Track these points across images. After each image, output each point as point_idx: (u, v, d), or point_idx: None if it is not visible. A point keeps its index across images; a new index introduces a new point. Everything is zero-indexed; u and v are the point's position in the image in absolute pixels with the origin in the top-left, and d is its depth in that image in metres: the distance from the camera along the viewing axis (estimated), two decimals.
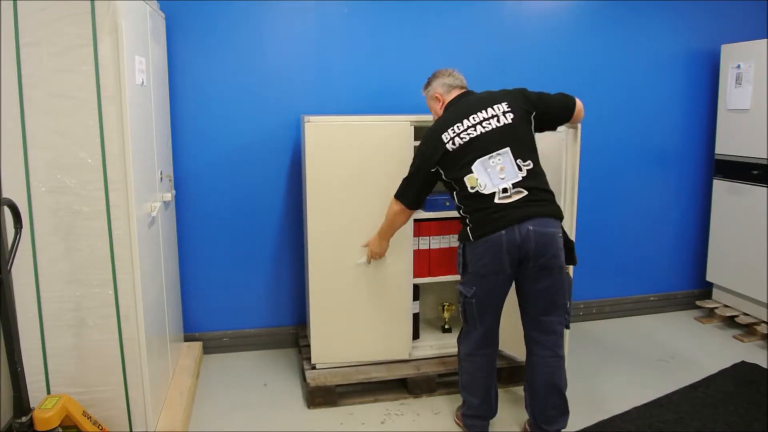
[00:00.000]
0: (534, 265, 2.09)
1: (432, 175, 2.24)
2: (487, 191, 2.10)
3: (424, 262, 2.83)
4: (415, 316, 2.90)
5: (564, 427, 2.25)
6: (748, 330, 3.37)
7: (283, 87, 3.03)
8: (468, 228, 2.14)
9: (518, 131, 2.17)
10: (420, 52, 3.16)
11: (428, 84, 2.43)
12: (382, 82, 3.13)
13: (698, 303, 3.72)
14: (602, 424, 2.47)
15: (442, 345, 2.89)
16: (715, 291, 3.70)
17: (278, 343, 3.23)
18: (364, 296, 2.71)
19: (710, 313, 3.66)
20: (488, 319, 2.22)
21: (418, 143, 2.37)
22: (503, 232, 2.06)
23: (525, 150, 2.15)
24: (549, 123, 2.29)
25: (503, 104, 2.20)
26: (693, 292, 3.83)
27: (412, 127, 2.65)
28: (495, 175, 2.11)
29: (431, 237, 2.81)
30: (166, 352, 2.52)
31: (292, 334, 3.24)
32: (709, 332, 3.48)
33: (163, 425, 2.26)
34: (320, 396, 2.61)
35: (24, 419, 1.80)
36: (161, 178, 2.51)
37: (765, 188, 3.24)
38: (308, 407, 2.62)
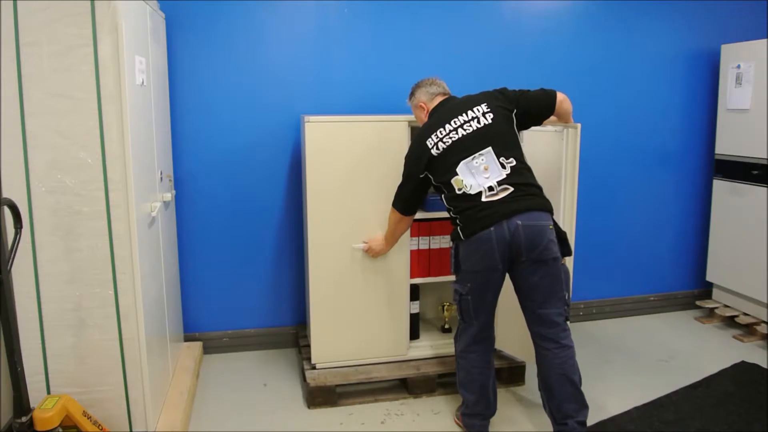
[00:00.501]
0: (527, 258, 2.11)
1: (422, 181, 2.31)
2: (473, 191, 2.15)
3: (423, 262, 2.83)
4: (415, 316, 2.91)
5: (584, 419, 2.21)
6: (748, 330, 3.37)
7: (283, 87, 3.04)
8: (458, 228, 2.18)
9: (499, 130, 2.22)
10: (420, 52, 3.16)
11: (412, 94, 2.50)
12: (381, 82, 3.13)
13: (698, 303, 3.72)
14: (602, 424, 2.47)
15: (442, 345, 2.89)
16: (715, 291, 3.70)
17: (278, 343, 3.23)
18: (364, 296, 2.71)
19: (710, 313, 3.66)
20: (484, 314, 2.25)
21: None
22: (492, 228, 2.09)
23: (507, 148, 2.20)
24: (533, 119, 2.33)
25: (482, 105, 2.26)
26: (693, 292, 3.83)
27: (411, 128, 2.65)
28: (479, 175, 2.16)
29: (431, 237, 2.81)
30: (166, 352, 2.52)
31: (292, 334, 3.24)
32: (709, 332, 3.48)
33: (163, 425, 2.26)
34: (320, 396, 2.61)
35: (24, 419, 1.80)
36: (161, 178, 2.51)
37: (765, 188, 3.24)
38: (308, 407, 2.62)
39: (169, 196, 2.59)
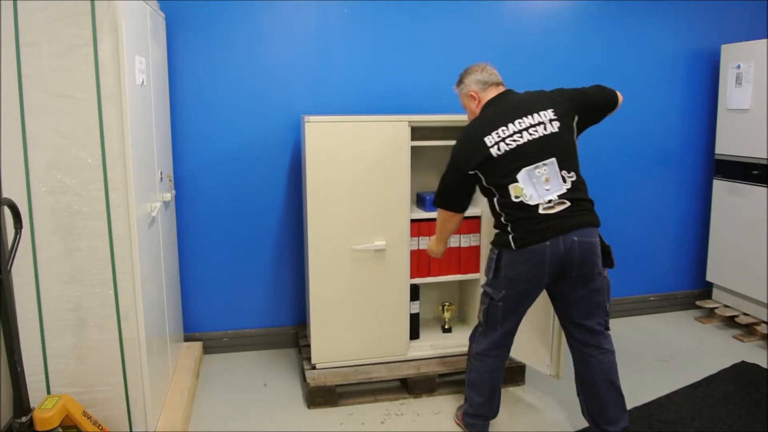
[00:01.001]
0: (576, 274, 2.08)
1: (470, 178, 2.15)
2: (532, 202, 2.05)
3: (423, 262, 2.83)
4: (415, 316, 2.91)
5: (627, 424, 2.23)
6: (748, 330, 3.37)
7: (283, 87, 3.04)
8: (510, 236, 2.08)
9: (563, 141, 2.12)
10: (420, 52, 3.16)
11: (461, 81, 2.32)
12: (381, 82, 3.14)
13: (698, 303, 3.72)
14: None
15: (442, 345, 2.89)
16: (715, 291, 3.70)
17: (278, 343, 3.23)
18: (364, 296, 2.71)
19: (710, 313, 3.67)
20: (511, 322, 2.22)
21: (453, 144, 2.24)
22: (548, 243, 2.03)
23: (569, 160, 2.11)
24: (592, 121, 2.25)
25: (549, 111, 2.13)
26: (693, 292, 3.83)
27: (410, 128, 2.65)
28: (540, 186, 2.06)
29: (431, 237, 2.80)
30: (166, 352, 2.52)
31: (292, 334, 3.24)
32: (709, 332, 3.48)
33: (163, 425, 2.26)
34: (320, 396, 2.61)
35: (24, 419, 1.80)
36: (161, 178, 2.51)
37: (765, 188, 3.24)
38: (308, 407, 2.62)
39: (169, 196, 2.59)
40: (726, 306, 3.59)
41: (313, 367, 2.73)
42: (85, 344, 2.05)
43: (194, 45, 2.92)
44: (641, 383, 2.81)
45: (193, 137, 2.98)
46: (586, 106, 2.20)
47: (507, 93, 2.25)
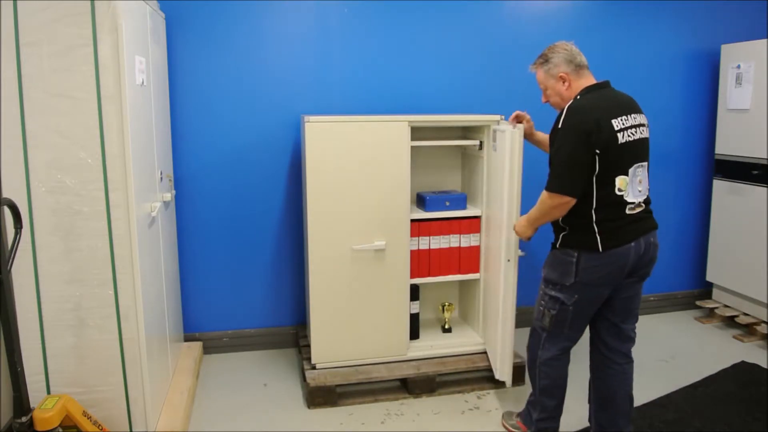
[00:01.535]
0: (637, 275, 2.09)
1: (593, 157, 1.94)
2: (628, 199, 2.01)
3: (423, 262, 2.83)
4: (415, 316, 2.91)
5: (632, 429, 2.24)
6: (748, 330, 3.37)
7: (283, 87, 3.03)
8: (597, 237, 2.00)
9: (648, 147, 2.11)
10: (419, 52, 3.16)
11: (546, 60, 2.15)
12: (381, 82, 3.13)
13: (698, 303, 3.72)
14: None
15: (442, 345, 2.89)
16: (715, 291, 3.70)
17: (278, 343, 3.23)
18: (364, 296, 2.71)
19: (710, 313, 3.66)
20: (580, 326, 2.17)
21: (563, 125, 2.01)
22: (632, 244, 2.01)
23: (648, 167, 2.12)
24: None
25: (643, 115, 2.10)
26: (693, 292, 3.83)
27: (410, 128, 2.65)
28: (635, 186, 2.03)
29: (431, 237, 2.81)
30: (166, 352, 2.52)
31: (292, 334, 3.24)
32: (709, 332, 3.48)
33: (163, 425, 2.26)
34: (320, 396, 2.61)
35: (24, 419, 1.80)
36: (161, 178, 2.51)
37: (765, 188, 3.24)
38: (308, 407, 2.62)
39: (169, 196, 2.59)
40: (726, 306, 3.59)
41: (313, 367, 2.73)
42: (85, 344, 2.05)
43: (194, 45, 2.92)
44: (641, 383, 2.80)
45: (193, 137, 2.98)
46: None
47: (607, 84, 2.14)
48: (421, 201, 2.92)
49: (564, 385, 2.27)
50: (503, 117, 2.78)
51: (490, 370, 2.83)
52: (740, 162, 3.40)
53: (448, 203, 2.83)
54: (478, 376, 2.85)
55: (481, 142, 2.82)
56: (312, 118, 2.54)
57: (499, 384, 2.77)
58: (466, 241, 2.88)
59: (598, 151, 1.94)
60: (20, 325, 1.86)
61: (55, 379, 2.05)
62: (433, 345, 2.89)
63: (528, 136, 2.49)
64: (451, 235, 2.83)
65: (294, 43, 3.02)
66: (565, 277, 2.07)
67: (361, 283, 2.69)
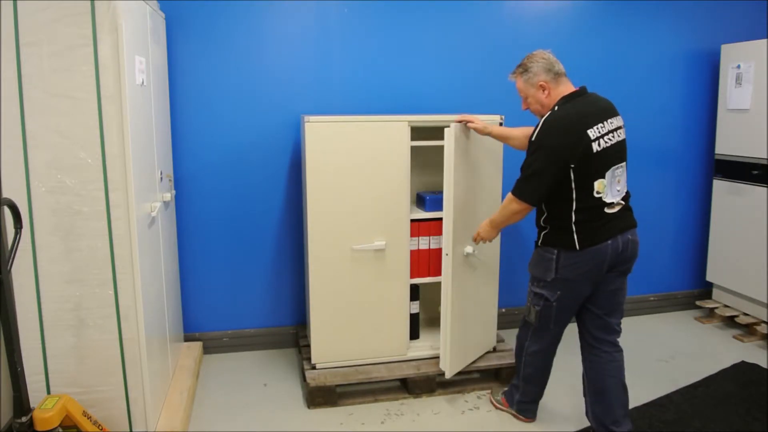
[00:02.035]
0: (617, 271, 2.19)
1: (565, 169, 2.07)
2: (607, 200, 2.12)
3: (423, 262, 2.83)
4: (415, 316, 2.91)
5: (631, 428, 2.27)
6: (748, 330, 3.37)
7: (283, 87, 3.03)
8: (575, 236, 2.11)
9: (626, 148, 2.21)
10: (420, 52, 3.16)
11: (526, 69, 2.23)
12: (381, 82, 3.13)
13: (698, 303, 3.72)
14: None
15: None
16: (715, 291, 3.70)
17: (278, 343, 3.23)
18: (364, 296, 2.71)
19: (710, 313, 3.66)
20: (564, 321, 2.29)
21: (538, 137, 2.12)
22: (609, 242, 2.12)
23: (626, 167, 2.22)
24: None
25: (620, 118, 2.20)
26: (693, 292, 3.83)
27: (410, 128, 2.65)
28: (614, 187, 2.14)
29: (431, 237, 2.81)
30: (166, 352, 2.52)
31: (292, 334, 3.24)
32: (709, 332, 3.47)
33: (163, 425, 2.26)
34: (320, 396, 2.61)
35: (24, 419, 1.80)
36: (161, 178, 2.51)
37: (765, 188, 3.24)
38: (308, 407, 2.62)
39: (169, 196, 2.59)
40: (726, 306, 3.59)
41: (313, 367, 2.73)
42: (85, 344, 2.05)
43: (194, 45, 2.92)
44: (641, 383, 2.81)
45: (193, 137, 2.98)
46: None
47: (585, 90, 2.22)
48: (421, 201, 2.92)
49: (546, 375, 2.42)
50: (503, 117, 2.78)
51: (490, 370, 2.83)
52: (740, 162, 3.40)
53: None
54: (478, 376, 2.85)
55: None
56: (312, 118, 2.54)
57: (499, 384, 2.77)
58: None
59: (572, 165, 2.06)
60: (20, 325, 1.86)
61: (55, 379, 2.05)
62: (433, 345, 2.89)
63: (487, 135, 2.54)
64: None
65: (294, 43, 3.02)
66: (546, 273, 2.20)
67: (361, 283, 2.69)
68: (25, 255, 1.96)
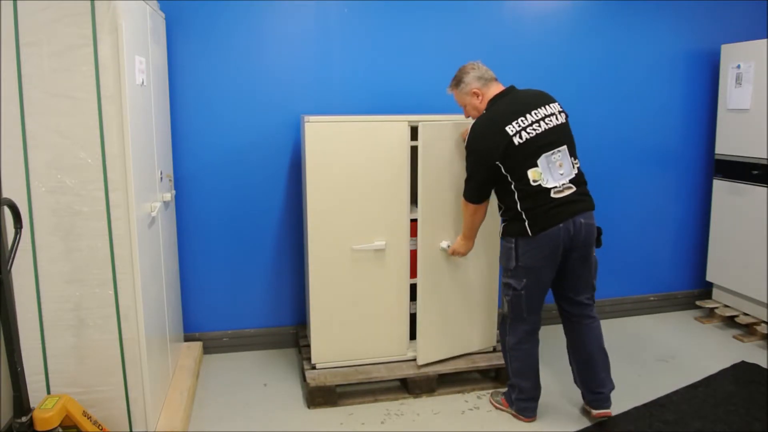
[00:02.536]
0: (578, 254, 2.30)
1: (495, 168, 2.28)
2: (549, 185, 2.23)
3: None
4: (415, 316, 2.90)
5: (614, 386, 2.45)
6: (748, 330, 3.37)
7: (283, 87, 3.03)
8: (525, 223, 2.24)
9: (568, 131, 2.34)
10: (419, 52, 3.16)
11: (459, 81, 2.43)
12: (381, 82, 3.13)
13: (698, 303, 3.72)
14: (602, 424, 2.47)
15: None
16: (715, 291, 3.70)
17: (278, 343, 3.23)
18: (364, 296, 2.71)
19: (710, 313, 3.66)
20: (536, 307, 2.38)
21: (468, 141, 2.37)
22: (561, 225, 2.22)
23: (573, 149, 2.33)
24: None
25: (556, 104, 2.34)
26: (693, 292, 3.83)
27: (410, 128, 2.65)
28: (555, 171, 2.25)
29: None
30: (166, 352, 2.52)
31: (292, 334, 3.24)
32: (709, 332, 3.47)
33: (163, 425, 2.26)
34: (320, 396, 2.61)
35: (24, 419, 1.80)
36: (161, 178, 2.51)
37: (765, 188, 3.24)
38: (308, 407, 2.62)
39: (169, 196, 2.59)
40: (726, 306, 3.59)
41: (313, 367, 2.73)
42: (85, 344, 2.05)
43: (194, 45, 2.92)
44: (641, 383, 2.81)
45: (193, 137, 2.98)
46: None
47: (512, 88, 2.40)
48: None
49: (535, 367, 2.46)
50: None
51: (490, 369, 2.83)
52: (740, 162, 3.40)
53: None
54: (478, 376, 2.85)
55: None
56: (312, 118, 2.54)
57: (500, 384, 2.77)
58: None
59: (498, 163, 2.25)
60: (20, 325, 1.86)
61: (55, 379, 2.05)
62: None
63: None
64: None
65: (294, 43, 3.02)
66: (509, 262, 2.34)
67: (361, 283, 2.70)
68: (25, 255, 1.96)
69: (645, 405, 2.61)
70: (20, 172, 1.93)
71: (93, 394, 2.08)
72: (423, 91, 3.19)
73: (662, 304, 3.78)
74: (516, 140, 2.22)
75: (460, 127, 2.62)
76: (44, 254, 1.98)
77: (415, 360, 2.80)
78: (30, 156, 1.93)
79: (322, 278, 2.66)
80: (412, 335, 2.87)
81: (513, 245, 2.30)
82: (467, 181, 2.38)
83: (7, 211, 1.77)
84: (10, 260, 1.74)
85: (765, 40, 3.22)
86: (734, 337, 3.37)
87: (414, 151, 2.73)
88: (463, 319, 2.80)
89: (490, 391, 2.73)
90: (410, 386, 2.70)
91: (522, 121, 2.24)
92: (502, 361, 2.79)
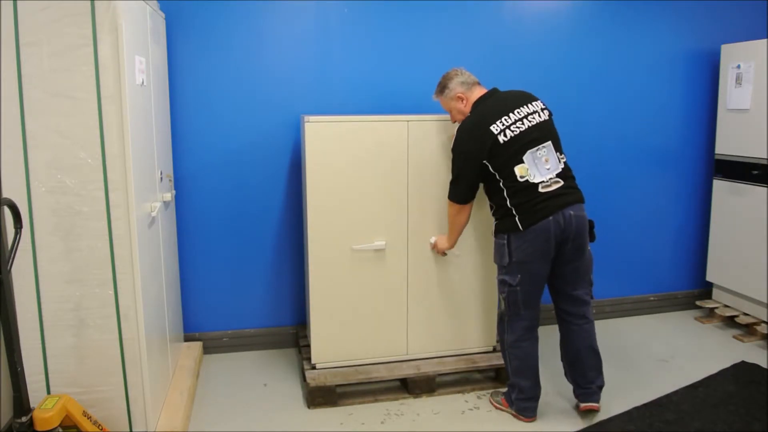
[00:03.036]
0: (571, 246, 2.33)
1: (481, 167, 2.35)
2: (536, 180, 2.28)
3: None
4: None
5: (603, 383, 2.51)
6: (748, 330, 3.37)
7: (283, 87, 3.03)
8: (516, 219, 2.29)
9: (553, 127, 2.41)
10: (419, 52, 3.16)
11: (444, 87, 2.50)
12: (381, 82, 3.13)
13: (698, 303, 3.72)
14: (602, 424, 2.47)
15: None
16: (715, 291, 3.70)
17: (278, 343, 3.23)
18: (364, 296, 2.71)
19: (710, 313, 3.66)
20: (532, 303, 2.40)
21: (454, 144, 2.42)
22: (551, 218, 2.26)
23: (559, 144, 2.39)
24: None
25: (539, 102, 2.41)
26: (693, 292, 3.83)
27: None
28: (541, 166, 2.31)
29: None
30: (166, 352, 2.52)
31: (292, 334, 3.24)
32: (709, 332, 3.47)
33: (163, 425, 2.26)
34: (320, 396, 2.61)
35: (24, 419, 1.80)
36: (161, 178, 2.51)
37: (765, 188, 3.24)
38: (308, 407, 2.62)
39: (169, 196, 2.59)
40: (726, 306, 3.59)
41: (313, 367, 2.73)
42: (85, 344, 2.05)
43: (194, 45, 2.92)
44: (641, 383, 2.81)
45: (193, 137, 2.98)
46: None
47: (495, 90, 2.47)
48: None
49: (534, 365, 2.47)
50: None
51: (490, 370, 2.83)
52: (740, 162, 3.40)
53: None
54: (478, 376, 2.85)
55: None
56: (312, 118, 2.54)
57: (500, 384, 2.77)
58: None
59: (485, 162, 2.32)
60: (20, 325, 1.86)
61: (55, 379, 2.05)
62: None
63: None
64: None
65: (294, 43, 3.02)
66: (503, 259, 2.37)
67: (361, 283, 2.70)
68: (25, 255, 1.96)
69: (645, 405, 2.61)
70: (20, 172, 1.93)
71: (93, 394, 2.08)
72: (423, 91, 3.17)
73: (662, 304, 3.78)
74: (501, 138, 2.29)
75: (449, 126, 2.63)
76: (44, 254, 1.98)
77: (415, 360, 2.80)
78: (30, 156, 1.93)
79: (322, 278, 2.66)
80: None
81: (505, 241, 2.34)
82: (452, 182, 2.45)
83: (7, 211, 1.77)
84: (10, 260, 1.74)
85: (765, 40, 3.22)
86: (734, 337, 3.37)
87: None
88: (457, 317, 2.80)
89: (490, 391, 2.73)
90: (410, 386, 2.70)
91: (506, 119, 2.31)
92: (502, 361, 2.79)
